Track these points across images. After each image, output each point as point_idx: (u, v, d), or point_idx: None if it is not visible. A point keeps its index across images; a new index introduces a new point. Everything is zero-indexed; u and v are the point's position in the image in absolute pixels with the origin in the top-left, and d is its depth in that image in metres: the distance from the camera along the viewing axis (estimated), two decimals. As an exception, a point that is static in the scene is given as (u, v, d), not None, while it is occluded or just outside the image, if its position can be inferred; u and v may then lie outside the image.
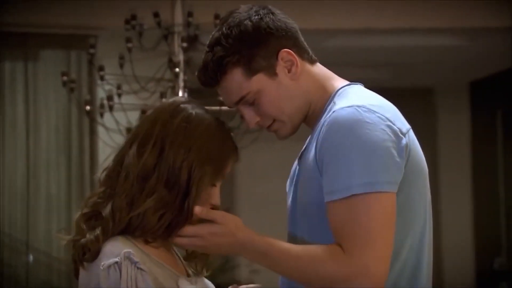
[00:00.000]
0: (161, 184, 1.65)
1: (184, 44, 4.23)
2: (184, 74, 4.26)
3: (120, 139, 4.14)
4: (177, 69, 4.20)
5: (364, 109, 1.59)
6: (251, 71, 1.68)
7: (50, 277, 5.15)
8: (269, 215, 7.22)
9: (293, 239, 1.71)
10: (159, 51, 4.30)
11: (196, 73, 1.73)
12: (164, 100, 1.78)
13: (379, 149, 1.57)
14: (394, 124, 1.60)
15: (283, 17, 1.72)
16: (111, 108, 4.21)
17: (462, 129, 7.57)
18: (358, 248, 1.55)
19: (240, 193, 7.41)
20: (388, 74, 6.42)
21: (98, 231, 1.62)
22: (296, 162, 1.78)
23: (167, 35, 4.29)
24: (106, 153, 4.75)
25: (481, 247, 7.42)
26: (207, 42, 1.72)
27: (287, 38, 1.70)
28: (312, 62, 1.74)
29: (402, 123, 1.64)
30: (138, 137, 1.69)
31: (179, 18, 4.31)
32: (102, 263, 1.59)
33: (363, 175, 1.55)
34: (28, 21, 5.00)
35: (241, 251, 1.63)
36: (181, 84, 4.24)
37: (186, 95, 4.20)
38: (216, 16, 4.08)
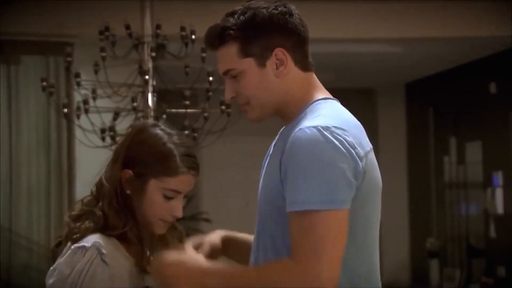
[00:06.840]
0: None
1: (153, 53, 4.30)
2: (153, 80, 4.35)
3: (94, 138, 4.25)
4: (146, 76, 4.28)
5: (327, 131, 1.61)
6: (244, 52, 1.70)
7: (30, 259, 5.21)
8: (228, 200, 7.84)
9: (256, 226, 1.76)
10: (130, 59, 4.35)
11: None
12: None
13: (336, 169, 1.59)
14: (353, 149, 1.62)
15: (299, 22, 1.73)
16: (86, 110, 4.25)
17: (398, 124, 7.96)
18: (310, 258, 1.57)
19: (205, 182, 7.55)
20: (333, 77, 6.48)
21: (91, 223, 1.72)
22: (272, 147, 1.80)
23: (137, 45, 4.36)
24: (82, 151, 4.89)
25: (415, 229, 7.73)
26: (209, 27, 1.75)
27: (289, 41, 1.71)
28: (306, 70, 1.75)
29: (362, 146, 1.65)
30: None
31: (148, 29, 4.39)
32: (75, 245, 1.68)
33: (321, 192, 1.58)
34: (11, 29, 5.02)
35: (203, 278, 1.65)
36: (150, 89, 4.33)
37: (155, 99, 4.35)
38: (182, 28, 4.25)
